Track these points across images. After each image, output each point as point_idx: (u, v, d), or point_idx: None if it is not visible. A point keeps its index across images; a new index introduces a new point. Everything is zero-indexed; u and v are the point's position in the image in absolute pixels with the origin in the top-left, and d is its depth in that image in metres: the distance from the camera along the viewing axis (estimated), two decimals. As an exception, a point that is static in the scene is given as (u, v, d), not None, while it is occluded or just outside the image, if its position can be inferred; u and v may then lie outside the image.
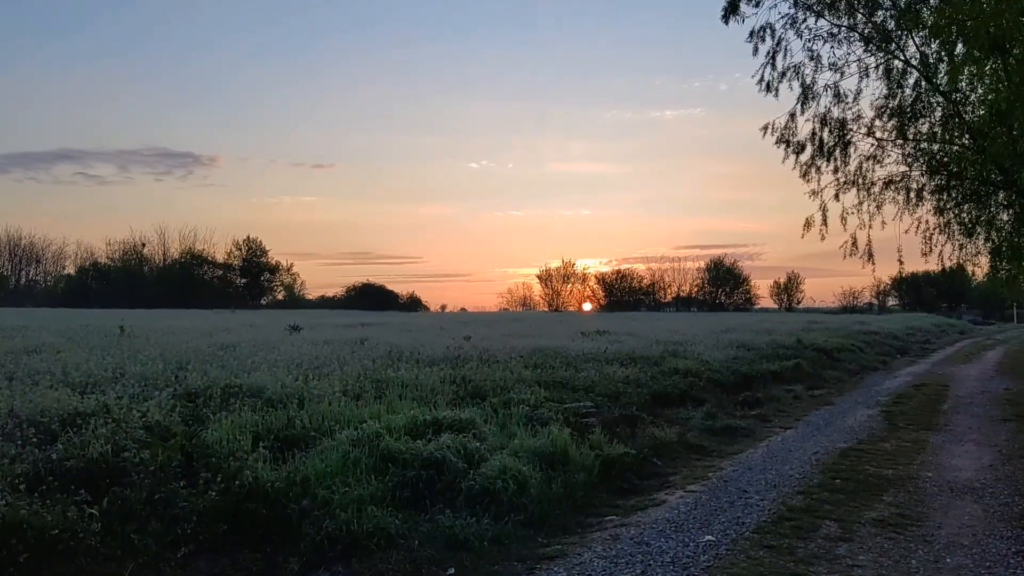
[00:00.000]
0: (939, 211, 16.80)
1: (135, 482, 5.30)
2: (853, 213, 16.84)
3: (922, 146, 16.55)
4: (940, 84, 15.39)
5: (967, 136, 15.64)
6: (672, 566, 5.31)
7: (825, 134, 16.69)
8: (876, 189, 16.81)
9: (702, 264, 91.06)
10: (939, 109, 16.10)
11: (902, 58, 15.98)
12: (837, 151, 16.72)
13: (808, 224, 16.96)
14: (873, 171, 16.79)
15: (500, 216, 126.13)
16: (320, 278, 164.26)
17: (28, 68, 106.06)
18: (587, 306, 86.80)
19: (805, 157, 16.88)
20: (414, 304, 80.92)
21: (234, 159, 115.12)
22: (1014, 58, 12.37)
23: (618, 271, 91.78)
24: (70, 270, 77.66)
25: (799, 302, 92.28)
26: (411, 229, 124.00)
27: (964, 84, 14.87)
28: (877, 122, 16.61)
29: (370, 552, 5.30)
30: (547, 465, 7.16)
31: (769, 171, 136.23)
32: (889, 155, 16.81)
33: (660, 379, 12.70)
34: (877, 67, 16.19)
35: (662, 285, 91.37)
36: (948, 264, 17.92)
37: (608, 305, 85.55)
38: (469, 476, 6.48)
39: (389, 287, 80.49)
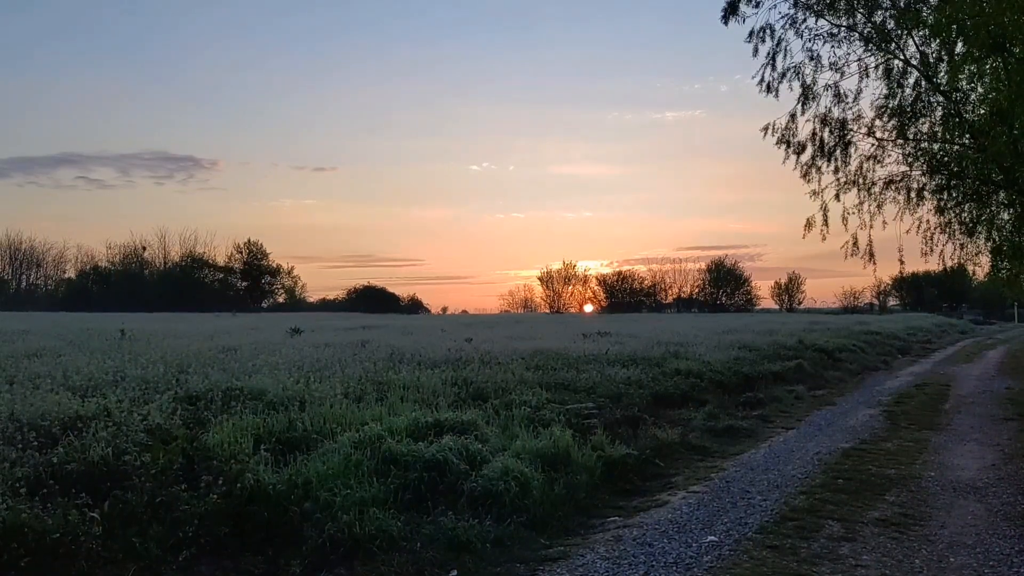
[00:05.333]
0: (940, 211, 16.76)
1: (136, 485, 5.29)
2: (854, 213, 16.82)
3: (922, 146, 16.52)
4: (940, 83, 15.37)
5: (967, 135, 15.60)
6: (675, 567, 5.29)
7: (825, 134, 16.67)
8: (877, 189, 16.79)
9: (703, 265, 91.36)
10: (939, 108, 16.08)
11: (902, 58, 15.97)
12: (837, 151, 16.69)
13: (809, 224, 16.94)
14: (874, 171, 16.78)
15: (501, 218, 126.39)
16: (321, 281, 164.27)
17: (29, 72, 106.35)
18: (588, 308, 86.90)
19: (806, 157, 16.86)
20: (415, 306, 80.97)
21: (235, 163, 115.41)
22: (1014, 57, 12.34)
23: (619, 273, 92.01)
24: (71, 274, 77.93)
25: (800, 303, 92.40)
26: (412, 232, 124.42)
27: (964, 83, 14.83)
28: (877, 122, 16.60)
29: (372, 554, 5.29)
30: (549, 466, 7.15)
31: (770, 172, 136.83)
32: (889, 155, 16.79)
33: (662, 380, 12.68)
34: (877, 67, 16.19)
35: (663, 286, 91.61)
36: (949, 264, 17.90)
37: (609, 307, 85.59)
38: (471, 478, 6.47)
39: (390, 290, 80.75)
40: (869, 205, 16.78)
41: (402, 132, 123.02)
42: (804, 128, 16.77)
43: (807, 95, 16.50)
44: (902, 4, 15.50)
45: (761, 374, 15.32)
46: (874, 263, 17.00)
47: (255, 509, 5.49)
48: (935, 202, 16.73)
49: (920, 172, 16.66)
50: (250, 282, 78.83)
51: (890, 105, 16.25)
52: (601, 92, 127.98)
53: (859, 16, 16.03)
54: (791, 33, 16.23)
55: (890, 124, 16.48)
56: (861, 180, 16.75)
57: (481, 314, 67.51)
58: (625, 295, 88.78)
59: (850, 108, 16.58)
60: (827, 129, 16.65)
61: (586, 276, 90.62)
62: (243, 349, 13.50)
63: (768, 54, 16.34)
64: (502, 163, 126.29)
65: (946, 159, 16.52)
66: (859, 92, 16.45)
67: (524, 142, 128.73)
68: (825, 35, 16.20)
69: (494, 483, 6.33)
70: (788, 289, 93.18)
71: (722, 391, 13.34)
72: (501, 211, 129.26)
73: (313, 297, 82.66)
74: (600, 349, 15.83)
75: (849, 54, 16.30)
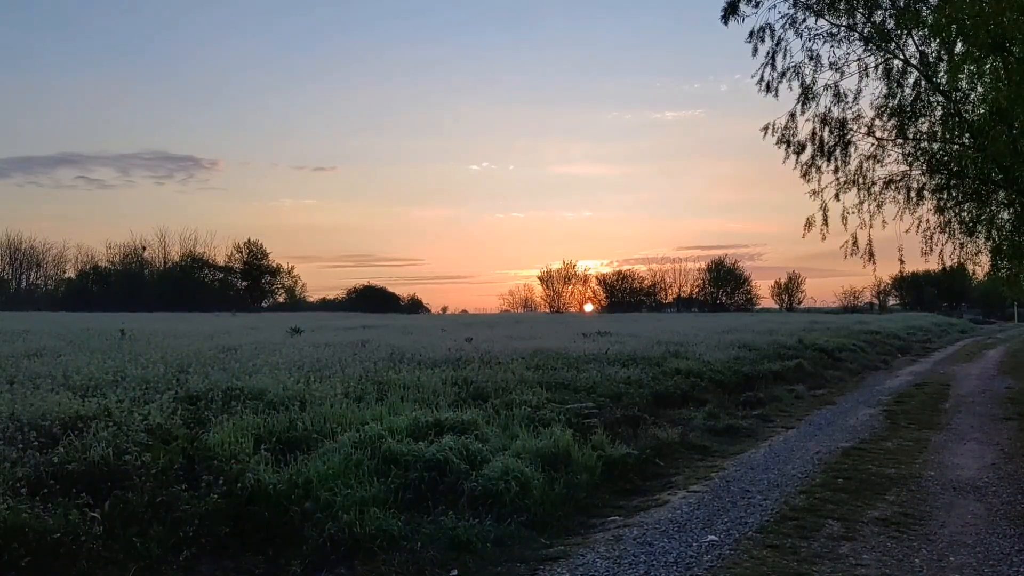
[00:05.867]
0: (939, 210, 16.74)
1: (137, 485, 5.29)
2: (854, 213, 16.77)
3: (922, 145, 16.49)
4: (940, 83, 15.35)
5: (967, 135, 15.57)
6: (675, 566, 5.30)
7: (825, 134, 16.64)
8: (876, 188, 16.75)
9: (703, 265, 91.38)
10: (939, 108, 16.04)
11: (902, 57, 15.95)
12: (837, 151, 16.67)
13: (809, 224, 16.90)
14: (873, 171, 16.74)
15: (501, 218, 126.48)
16: (321, 281, 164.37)
17: (29, 72, 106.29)
18: (588, 307, 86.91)
19: (805, 157, 16.82)
20: (415, 306, 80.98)
21: (235, 162, 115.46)
22: (1014, 56, 12.34)
23: (619, 272, 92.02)
24: (71, 274, 77.87)
25: (800, 302, 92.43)
26: (412, 231, 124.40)
27: (964, 83, 14.79)
28: (877, 121, 16.56)
29: (373, 554, 5.30)
30: (549, 466, 7.16)
31: (770, 172, 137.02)
32: (889, 154, 16.76)
33: (662, 380, 12.69)
34: (877, 66, 16.16)
35: (663, 286, 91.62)
36: (949, 263, 17.88)
37: (609, 306, 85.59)
38: (471, 477, 6.47)
39: (390, 289, 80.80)
40: (869, 205, 16.76)
41: (402, 132, 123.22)
42: (804, 128, 16.76)
43: (807, 95, 16.47)
44: (902, 4, 15.47)
45: (761, 373, 15.33)
46: (874, 263, 16.97)
47: (255, 509, 5.50)
48: (935, 202, 16.71)
49: (920, 172, 16.64)
50: (250, 282, 78.80)
51: (890, 105, 16.23)
52: (601, 92, 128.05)
53: (859, 16, 16.00)
54: (791, 33, 16.21)
55: (890, 124, 16.45)
56: (861, 180, 16.73)
57: (481, 314, 67.55)
58: (625, 295, 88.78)
59: (850, 108, 16.56)
60: (827, 129, 16.62)
61: (586, 276, 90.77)
62: (243, 349, 13.51)
63: (768, 54, 16.32)
64: (502, 163, 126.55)
65: (946, 159, 16.50)
66: (859, 92, 16.43)
67: (524, 142, 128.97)
68: (825, 35, 16.18)
69: (494, 483, 6.34)
70: (788, 289, 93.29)
71: (722, 391, 13.35)
72: (501, 211, 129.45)
73: (313, 297, 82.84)
74: (600, 349, 15.84)
75: (849, 54, 16.29)
